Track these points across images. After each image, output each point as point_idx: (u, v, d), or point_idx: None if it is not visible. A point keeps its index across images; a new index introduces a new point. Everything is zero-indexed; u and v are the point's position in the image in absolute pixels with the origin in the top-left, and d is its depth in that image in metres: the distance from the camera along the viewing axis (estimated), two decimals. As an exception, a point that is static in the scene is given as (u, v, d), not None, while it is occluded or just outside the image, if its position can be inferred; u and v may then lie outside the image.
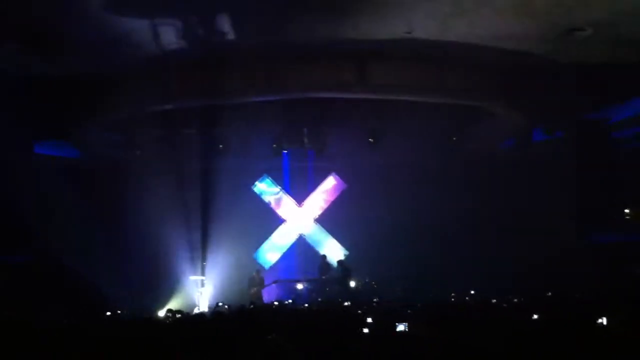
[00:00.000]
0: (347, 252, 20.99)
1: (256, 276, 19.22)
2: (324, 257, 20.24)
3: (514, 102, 15.89)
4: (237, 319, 9.97)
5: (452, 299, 15.70)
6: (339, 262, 19.60)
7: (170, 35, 13.30)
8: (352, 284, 18.98)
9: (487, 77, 15.33)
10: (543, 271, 16.49)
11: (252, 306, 15.06)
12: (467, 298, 15.31)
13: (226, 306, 16.86)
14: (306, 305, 15.76)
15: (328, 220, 21.72)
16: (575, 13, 12.39)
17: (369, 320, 8.89)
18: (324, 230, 21.71)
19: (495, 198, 18.49)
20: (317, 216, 21.79)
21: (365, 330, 8.07)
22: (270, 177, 21.77)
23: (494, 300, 12.86)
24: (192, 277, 19.54)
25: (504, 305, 12.02)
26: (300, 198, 21.81)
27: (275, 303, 16.21)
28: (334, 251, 21.14)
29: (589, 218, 16.53)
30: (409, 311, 11.01)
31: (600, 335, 7.00)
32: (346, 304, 14.87)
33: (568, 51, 14.22)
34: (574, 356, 6.00)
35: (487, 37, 13.51)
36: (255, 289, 18.83)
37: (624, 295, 11.83)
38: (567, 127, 17.09)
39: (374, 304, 14.64)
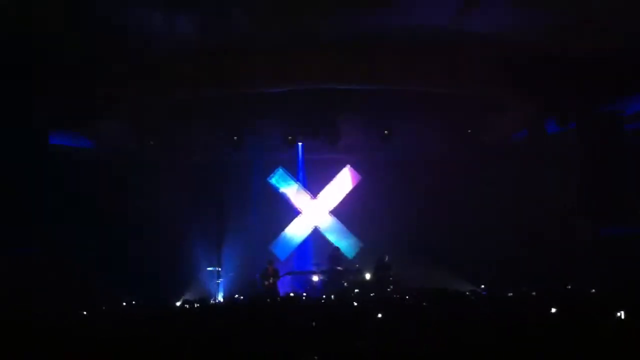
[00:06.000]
0: (362, 245, 21.08)
1: (269, 268, 18.96)
2: (337, 249, 20.28)
3: (527, 93, 15.86)
4: (250, 315, 10.00)
5: (468, 293, 15.75)
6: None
7: (186, 26, 13.33)
8: (367, 276, 19.09)
9: (500, 67, 15.23)
10: (557, 263, 16.54)
11: (268, 300, 15.15)
12: (483, 293, 15.32)
13: (242, 297, 17.07)
14: (323, 297, 15.83)
15: (343, 212, 21.78)
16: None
17: (379, 315, 8.96)
18: (339, 223, 21.77)
19: (509, 190, 18.47)
20: (332, 208, 21.83)
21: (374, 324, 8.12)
22: (285, 169, 21.86)
23: (510, 294, 12.90)
24: (209, 268, 19.76)
25: (521, 299, 12.03)
26: (315, 190, 21.88)
27: (291, 294, 16.35)
28: (349, 243, 21.27)
29: (603, 210, 16.51)
30: (424, 304, 11.11)
31: (617, 329, 7.06)
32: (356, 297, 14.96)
33: (582, 42, 14.18)
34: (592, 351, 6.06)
35: (500, 27, 13.47)
36: (269, 281, 18.64)
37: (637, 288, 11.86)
38: (581, 119, 17.04)
39: (391, 295, 14.69)
